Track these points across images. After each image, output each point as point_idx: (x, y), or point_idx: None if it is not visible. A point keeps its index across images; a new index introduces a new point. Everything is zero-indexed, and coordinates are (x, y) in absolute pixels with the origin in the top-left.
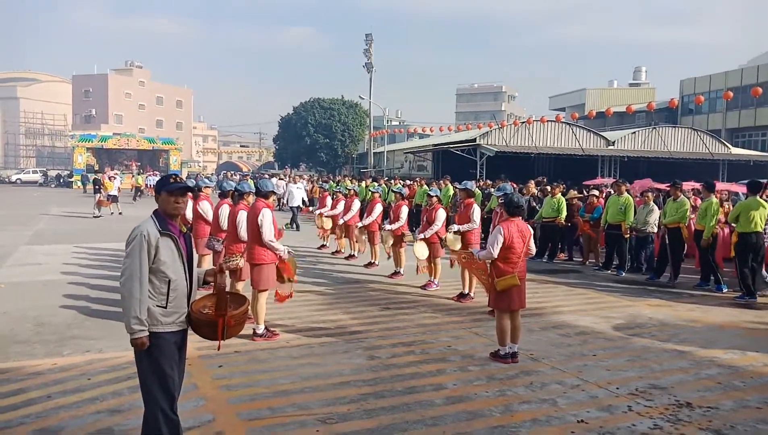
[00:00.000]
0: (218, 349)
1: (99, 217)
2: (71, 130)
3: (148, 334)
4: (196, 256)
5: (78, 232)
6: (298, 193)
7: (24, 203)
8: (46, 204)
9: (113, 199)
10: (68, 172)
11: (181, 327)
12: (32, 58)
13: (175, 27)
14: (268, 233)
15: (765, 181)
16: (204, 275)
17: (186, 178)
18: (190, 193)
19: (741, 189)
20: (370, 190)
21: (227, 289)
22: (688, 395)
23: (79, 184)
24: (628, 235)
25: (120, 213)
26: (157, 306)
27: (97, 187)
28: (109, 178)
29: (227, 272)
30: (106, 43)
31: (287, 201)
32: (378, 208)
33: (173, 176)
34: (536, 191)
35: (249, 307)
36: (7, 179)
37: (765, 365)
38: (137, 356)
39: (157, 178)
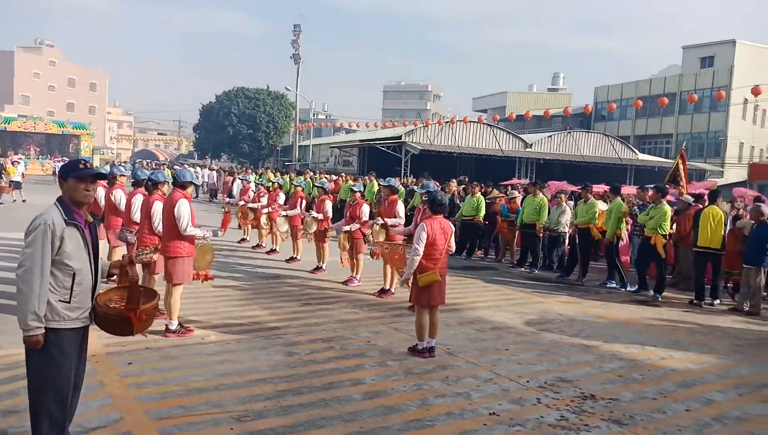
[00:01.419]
0: (146, 336)
1: (0, 204)
2: None
3: (44, 331)
4: (107, 248)
5: None
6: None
7: None
8: None
9: (16, 185)
10: None
11: (84, 323)
12: None
13: (90, 4)
14: (185, 224)
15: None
16: (109, 268)
17: (100, 165)
18: (102, 181)
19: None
20: (293, 184)
21: (140, 282)
22: (593, 388)
23: None
24: (542, 235)
25: (24, 200)
26: (60, 301)
27: None
28: (12, 163)
29: (139, 265)
30: (12, 17)
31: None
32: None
33: (82, 161)
34: (458, 190)
35: (159, 302)
36: None
37: (661, 359)
38: (30, 355)
39: (63, 165)
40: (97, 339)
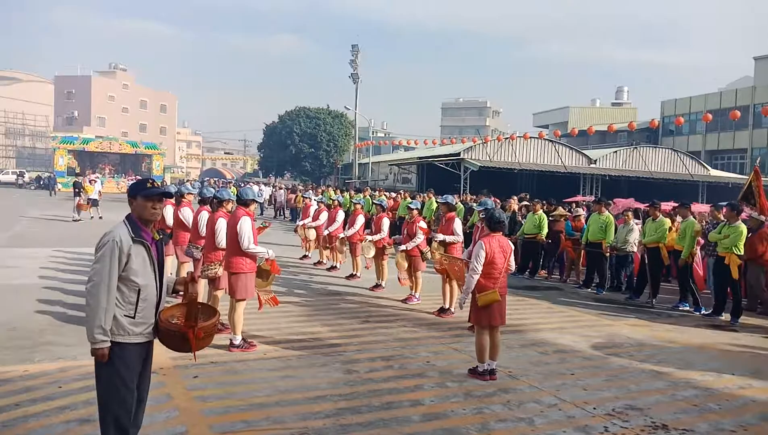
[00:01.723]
0: (194, 360)
1: (79, 220)
2: (53, 131)
3: (110, 345)
4: (175, 264)
5: (57, 235)
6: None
7: (2, 205)
8: (26, 206)
9: (93, 203)
10: (48, 174)
11: (147, 338)
12: (13, 57)
13: (161, 31)
14: (246, 241)
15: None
16: (174, 284)
17: (169, 184)
18: (171, 200)
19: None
20: (352, 202)
21: (205, 298)
22: (664, 417)
23: (60, 186)
24: (609, 254)
25: (100, 217)
26: (125, 316)
27: (77, 190)
28: (90, 182)
29: (204, 281)
30: (90, 44)
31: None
32: (360, 220)
33: (150, 180)
34: (518, 207)
35: (219, 320)
36: None
37: (740, 388)
38: (98, 367)
39: (131, 184)
40: (165, 352)
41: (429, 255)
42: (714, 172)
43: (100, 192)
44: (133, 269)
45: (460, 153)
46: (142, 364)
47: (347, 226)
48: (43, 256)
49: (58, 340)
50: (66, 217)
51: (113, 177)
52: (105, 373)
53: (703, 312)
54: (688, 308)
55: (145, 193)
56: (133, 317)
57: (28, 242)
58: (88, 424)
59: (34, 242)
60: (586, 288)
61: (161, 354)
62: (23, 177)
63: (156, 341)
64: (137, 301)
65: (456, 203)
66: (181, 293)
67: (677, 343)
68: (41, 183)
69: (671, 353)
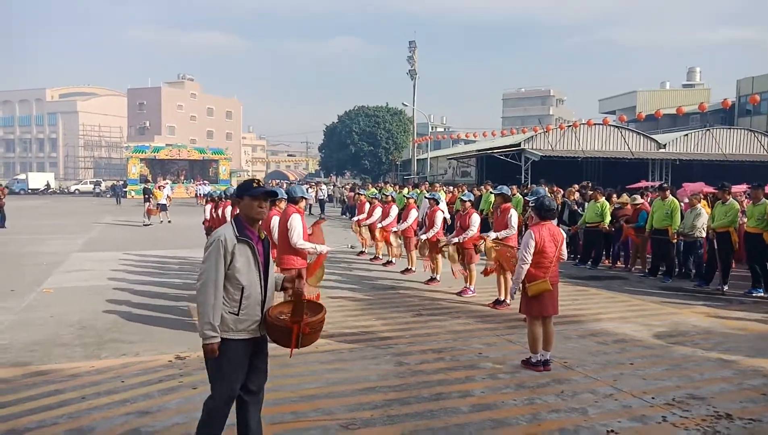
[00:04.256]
0: (290, 356)
1: (149, 225)
2: (126, 141)
3: (219, 340)
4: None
5: (127, 239)
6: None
7: (80, 213)
8: (101, 213)
9: (162, 207)
10: (123, 182)
11: (252, 335)
12: (91, 73)
13: (225, 40)
14: (296, 237)
15: None
16: (282, 281)
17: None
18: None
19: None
20: (404, 197)
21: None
22: (729, 406)
23: (134, 193)
24: (675, 240)
25: (169, 221)
26: (230, 313)
27: (146, 196)
28: (159, 188)
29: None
30: (160, 57)
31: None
32: (413, 214)
33: (255, 181)
34: (576, 196)
35: (325, 316)
36: (66, 190)
37: None
38: (206, 360)
39: (239, 185)
40: None
41: (482, 247)
42: None
43: (169, 197)
44: (237, 268)
45: (520, 143)
46: (249, 359)
47: (401, 221)
48: (114, 259)
49: (123, 338)
50: (137, 222)
51: (183, 182)
52: (210, 367)
53: None
54: (762, 295)
55: (252, 193)
56: (237, 314)
57: (102, 246)
58: (146, 416)
59: (107, 246)
60: (653, 276)
61: None
62: (99, 186)
63: None
64: (241, 298)
65: (514, 194)
66: (289, 289)
67: (747, 331)
68: (115, 191)
69: (740, 341)
